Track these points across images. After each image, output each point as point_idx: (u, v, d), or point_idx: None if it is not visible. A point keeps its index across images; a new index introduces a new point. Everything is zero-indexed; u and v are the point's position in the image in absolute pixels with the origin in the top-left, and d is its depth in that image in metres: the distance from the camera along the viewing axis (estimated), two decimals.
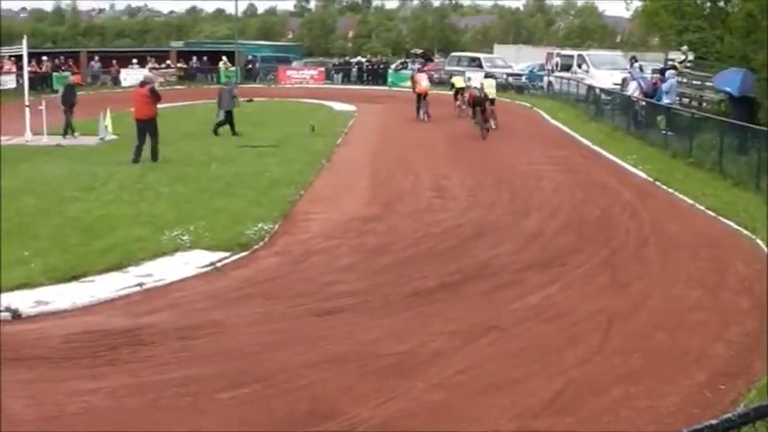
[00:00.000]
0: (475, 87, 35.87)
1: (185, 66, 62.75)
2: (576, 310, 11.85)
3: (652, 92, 32.00)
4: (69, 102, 31.54)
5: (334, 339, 10.70)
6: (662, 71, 34.27)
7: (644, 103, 31.83)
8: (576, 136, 32.59)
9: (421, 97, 38.44)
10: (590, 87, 42.20)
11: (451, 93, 41.38)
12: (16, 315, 11.82)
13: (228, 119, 32.15)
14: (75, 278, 13.18)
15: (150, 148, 24.94)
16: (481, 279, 13.44)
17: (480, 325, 11.19)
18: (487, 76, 39.50)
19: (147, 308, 12.05)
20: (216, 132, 31.62)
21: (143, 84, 26.21)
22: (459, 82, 41.35)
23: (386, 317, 11.60)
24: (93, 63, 59.13)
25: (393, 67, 61.95)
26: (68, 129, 31.05)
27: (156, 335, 10.88)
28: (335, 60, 73.82)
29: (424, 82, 39.19)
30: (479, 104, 33.25)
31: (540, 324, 11.34)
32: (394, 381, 9.34)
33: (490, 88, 35.32)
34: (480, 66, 58.28)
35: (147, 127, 24.88)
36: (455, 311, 11.83)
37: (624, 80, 38.22)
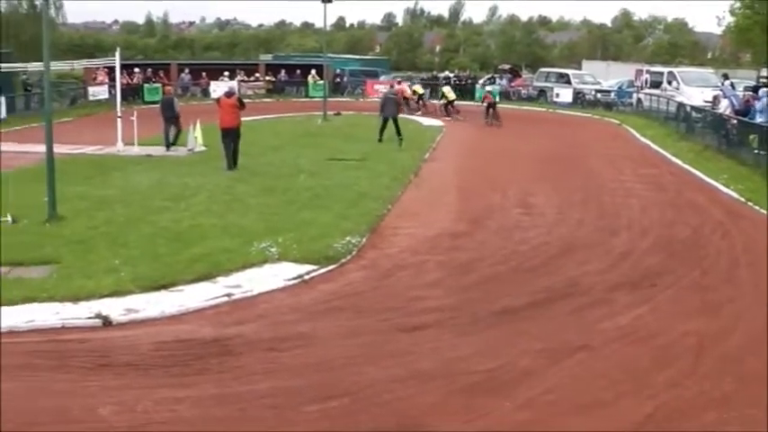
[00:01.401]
0: (489, 92, 48.11)
1: (274, 79, 63.16)
2: (667, 332, 11.66)
3: (744, 110, 31.46)
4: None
5: (422, 355, 10.66)
6: (755, 89, 33.74)
7: (736, 121, 31.29)
8: (666, 154, 32.17)
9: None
10: (680, 105, 41.65)
11: (415, 97, 50.75)
12: (107, 322, 11.98)
13: (395, 125, 33.16)
14: (164, 287, 13.34)
15: (231, 155, 25.73)
16: (569, 297, 13.30)
17: (569, 344, 11.08)
18: (445, 84, 54.76)
19: (236, 318, 12.15)
20: (399, 138, 32.79)
21: (229, 94, 27.00)
22: (419, 89, 52.31)
23: (473, 334, 11.54)
24: (183, 75, 59.85)
25: (481, 82, 61.73)
26: (175, 140, 31.31)
27: (244, 345, 10.96)
28: (423, 75, 73.72)
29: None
30: (492, 106, 44.63)
31: (630, 345, 11.18)
32: (481, 398, 9.28)
33: (449, 93, 48.67)
34: (569, 82, 58.06)
35: (233, 135, 25.74)
36: (543, 330, 11.72)
37: (715, 98, 37.54)
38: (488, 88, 51.78)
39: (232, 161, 25.61)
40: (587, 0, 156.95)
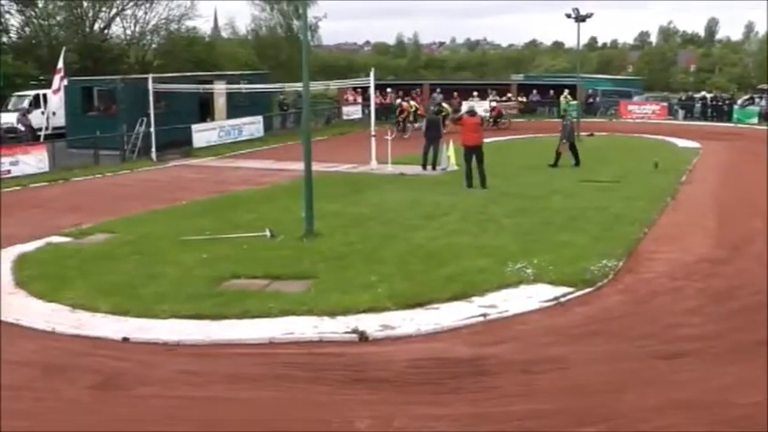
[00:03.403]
0: (494, 107, 52.81)
1: (525, 99, 63.01)
2: None
3: None
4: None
5: (680, 384, 10.34)
6: None
7: None
8: None
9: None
10: None
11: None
12: (363, 337, 12.17)
13: (573, 149, 32.53)
14: (420, 305, 13.49)
15: (479, 175, 26.00)
16: None
17: None
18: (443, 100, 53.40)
19: (491, 338, 12.15)
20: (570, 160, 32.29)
21: (472, 113, 27.84)
22: (414, 104, 50.70)
23: (734, 364, 11.08)
24: (435, 95, 60.37)
25: (739, 102, 59.71)
26: (434, 159, 31.49)
27: (499, 366, 10.95)
28: (681, 95, 71.81)
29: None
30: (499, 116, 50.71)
31: None
32: None
33: (447, 107, 47.57)
34: None
35: (476, 153, 26.16)
36: None
37: None
38: (493, 104, 53.36)
39: (480, 181, 25.85)
40: None
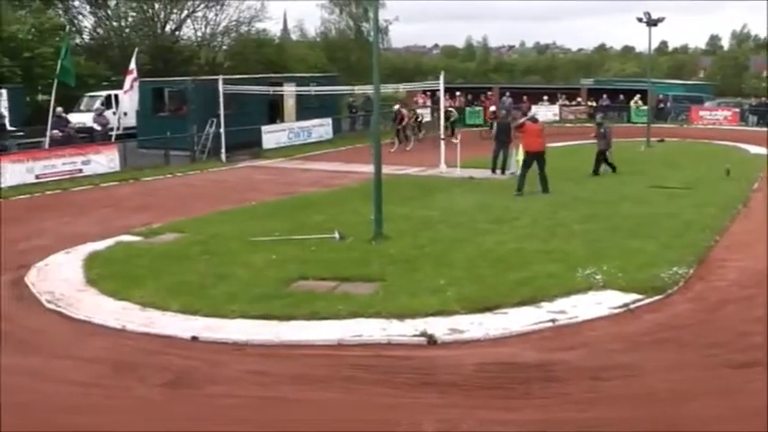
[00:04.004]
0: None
1: (595, 103, 62.53)
2: None
3: None
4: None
5: (751, 393, 10.16)
6: None
7: None
8: None
9: None
10: None
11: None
12: (431, 341, 12.16)
13: (604, 159, 31.71)
14: (488, 309, 13.43)
15: (540, 180, 25.97)
16: None
17: None
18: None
19: (559, 344, 12.08)
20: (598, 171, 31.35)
21: (534, 120, 27.94)
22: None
23: None
24: (504, 98, 60.19)
25: None
26: (503, 163, 31.48)
27: (568, 372, 10.88)
28: (752, 101, 70.77)
29: None
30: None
31: None
32: None
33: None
34: None
35: (538, 159, 26.18)
36: None
37: None
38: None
39: (542, 187, 25.85)
40: None
